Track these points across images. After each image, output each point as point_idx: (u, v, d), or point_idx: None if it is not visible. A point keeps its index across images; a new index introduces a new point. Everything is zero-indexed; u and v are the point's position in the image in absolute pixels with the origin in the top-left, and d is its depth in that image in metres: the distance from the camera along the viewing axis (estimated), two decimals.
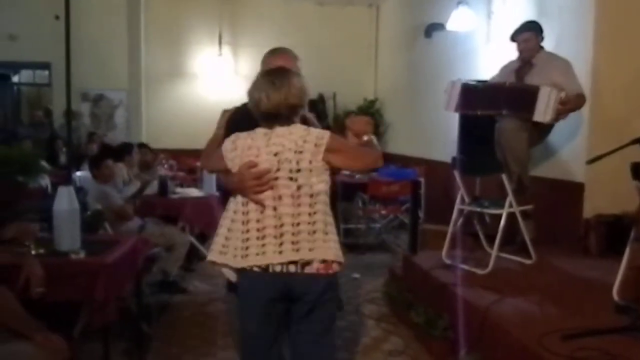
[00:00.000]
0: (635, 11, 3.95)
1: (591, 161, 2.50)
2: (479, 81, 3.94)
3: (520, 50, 3.84)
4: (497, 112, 3.60)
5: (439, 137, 6.17)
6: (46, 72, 8.82)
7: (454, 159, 3.76)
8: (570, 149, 4.18)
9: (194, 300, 4.13)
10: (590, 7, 4.01)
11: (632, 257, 2.38)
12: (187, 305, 4.00)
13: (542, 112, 3.49)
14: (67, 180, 4.23)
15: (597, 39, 3.97)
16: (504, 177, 3.44)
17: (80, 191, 3.72)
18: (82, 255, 2.56)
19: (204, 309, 3.93)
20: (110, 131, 8.52)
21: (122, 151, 5.22)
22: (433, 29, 6.56)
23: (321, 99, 8.55)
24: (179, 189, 5.15)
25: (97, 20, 8.38)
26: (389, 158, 8.14)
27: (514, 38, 3.89)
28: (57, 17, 7.17)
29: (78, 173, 5.19)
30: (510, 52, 4.15)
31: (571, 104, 3.60)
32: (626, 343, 2.25)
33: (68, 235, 2.59)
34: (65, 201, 2.60)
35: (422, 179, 6.38)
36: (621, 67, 3.99)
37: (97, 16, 8.38)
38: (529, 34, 3.82)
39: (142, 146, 5.80)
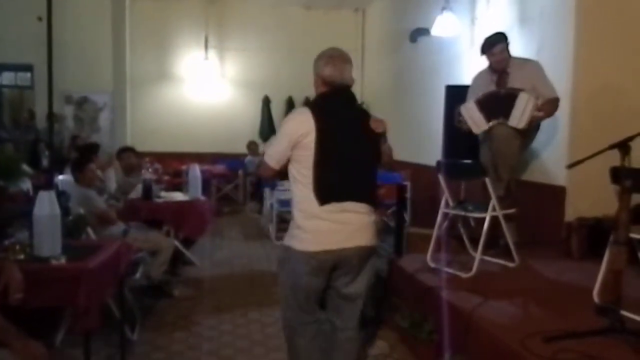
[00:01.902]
0: (614, 16, 4.02)
1: (571, 166, 2.54)
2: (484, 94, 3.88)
3: (497, 61, 3.83)
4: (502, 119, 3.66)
5: (425, 141, 6.22)
6: (28, 74, 8.70)
7: (438, 163, 3.79)
8: (552, 153, 4.24)
9: (178, 305, 4.09)
10: (571, 12, 4.08)
11: (611, 260, 2.41)
12: (172, 310, 3.97)
13: (518, 117, 3.57)
14: (49, 184, 4.18)
15: (577, 43, 4.04)
16: (487, 181, 3.48)
17: (62, 195, 3.66)
18: (63, 260, 2.53)
19: (189, 314, 3.90)
20: (94, 134, 8.43)
21: (89, 152, 5.15)
22: (418, 33, 6.62)
23: (307, 102, 8.55)
24: (163, 193, 5.11)
25: (81, 23, 8.30)
26: None
27: (487, 50, 3.84)
28: (39, 19, 7.07)
29: (60, 177, 5.11)
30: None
31: (545, 110, 3.68)
32: (606, 345, 2.28)
33: (49, 241, 2.55)
34: (45, 206, 2.56)
35: (408, 183, 6.42)
36: (601, 71, 4.06)
37: (81, 18, 8.30)
38: (503, 44, 3.83)
39: (127, 149, 5.70)
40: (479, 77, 4.06)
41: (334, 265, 2.31)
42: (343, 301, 2.43)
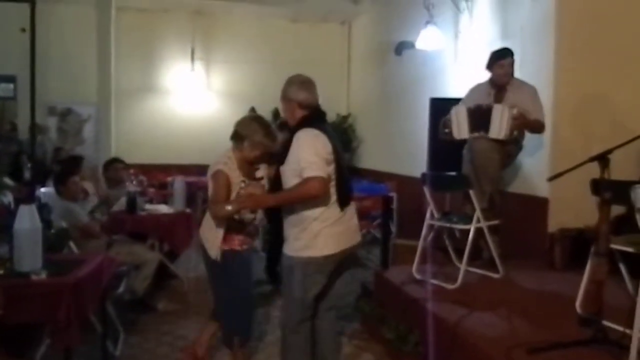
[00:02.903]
0: (593, 32, 4.12)
1: (552, 178, 2.58)
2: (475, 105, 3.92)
3: (504, 74, 3.85)
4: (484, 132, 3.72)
5: (410, 152, 6.26)
6: (11, 85, 8.59)
7: (423, 175, 3.82)
8: (535, 166, 4.30)
9: (162, 319, 4.04)
10: (551, 28, 4.17)
11: (592, 272, 2.45)
12: (156, 325, 3.91)
13: (497, 128, 3.64)
14: (31, 197, 4.11)
15: (558, 58, 4.13)
16: (472, 193, 3.51)
17: (44, 208, 3.61)
18: (43, 275, 2.48)
19: (174, 328, 3.85)
20: (78, 146, 8.33)
21: (72, 164, 5.08)
22: (403, 47, 6.70)
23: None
24: (148, 206, 5.06)
25: (66, 34, 8.25)
26: (361, 173, 8.22)
27: (497, 61, 3.87)
28: (23, 30, 6.98)
29: (43, 189, 5.04)
30: (477, 71, 4.26)
31: (528, 123, 3.74)
32: (589, 355, 2.31)
33: (29, 255, 2.50)
34: (26, 220, 2.52)
35: (394, 194, 6.44)
36: (581, 85, 4.15)
37: (66, 29, 8.25)
38: (511, 59, 3.88)
39: (115, 161, 5.54)
40: (476, 89, 4.08)
41: (339, 262, 2.62)
42: (331, 287, 2.71)
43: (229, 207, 2.65)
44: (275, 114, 9.00)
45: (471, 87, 4.17)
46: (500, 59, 3.86)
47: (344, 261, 2.64)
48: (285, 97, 2.62)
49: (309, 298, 2.58)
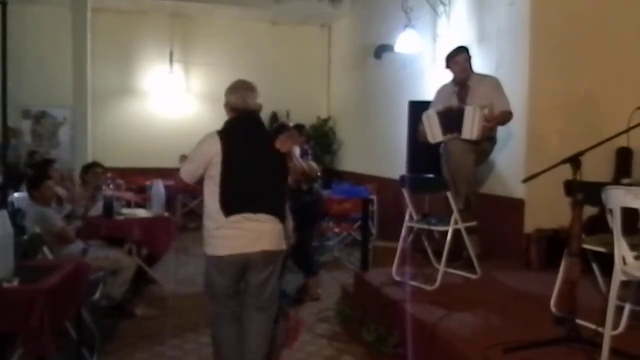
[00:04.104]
0: (568, 34, 4.21)
1: (526, 180, 2.62)
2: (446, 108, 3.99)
3: (460, 70, 4.01)
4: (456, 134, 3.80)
5: (390, 155, 6.30)
6: None
7: (402, 177, 3.85)
8: (511, 167, 4.37)
9: (141, 325, 3.98)
10: (526, 31, 4.24)
11: (566, 271, 2.49)
12: (134, 331, 3.85)
13: (469, 129, 3.73)
14: (3, 202, 4.02)
15: (533, 61, 4.20)
16: (449, 194, 3.55)
17: (17, 213, 3.54)
18: (15, 282, 2.42)
19: (152, 333, 3.80)
20: (53, 149, 8.18)
21: (43, 167, 4.97)
22: (382, 50, 6.74)
23: (274, 117, 8.56)
24: (125, 210, 4.99)
25: (40, 35, 8.10)
26: (341, 175, 8.25)
27: (452, 59, 4.04)
28: None
29: (16, 194, 4.93)
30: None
31: (495, 120, 3.84)
32: (563, 353, 2.36)
33: (0, 262, 2.44)
34: None
35: (374, 196, 6.47)
36: (555, 87, 4.24)
37: (40, 31, 8.11)
38: (465, 55, 4.03)
39: (94, 165, 5.38)
40: (442, 89, 4.21)
41: (243, 266, 2.69)
42: (255, 290, 2.76)
43: None
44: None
45: (437, 88, 4.27)
46: (454, 56, 4.03)
47: (256, 265, 2.68)
48: (225, 100, 2.78)
49: (211, 292, 2.75)
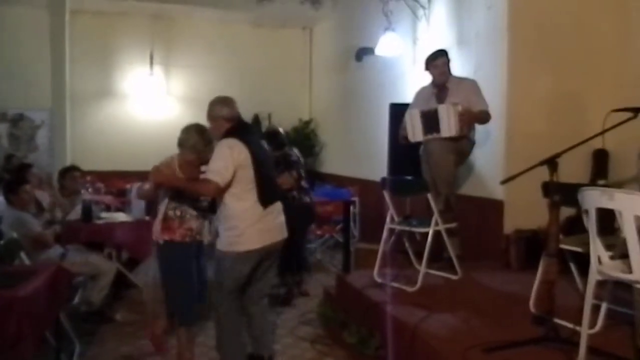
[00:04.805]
0: (545, 38, 4.28)
1: (504, 181, 2.66)
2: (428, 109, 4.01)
3: (439, 74, 4.05)
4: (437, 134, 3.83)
5: (372, 157, 6.34)
6: None
7: (383, 179, 3.87)
8: (490, 169, 4.43)
9: (121, 330, 3.93)
10: (504, 35, 4.31)
11: (544, 272, 2.53)
12: (114, 336, 3.81)
13: (447, 127, 3.77)
14: None
15: (511, 64, 4.27)
16: (430, 196, 3.58)
17: None
18: None
19: (133, 339, 3.75)
20: (31, 153, 8.02)
21: (20, 172, 4.87)
22: (363, 52, 6.78)
23: (256, 120, 8.53)
24: (104, 214, 4.91)
25: (17, 37, 7.94)
26: (324, 178, 8.25)
27: (431, 62, 4.08)
28: None
29: None
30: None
31: (473, 115, 3.87)
32: (542, 353, 2.39)
33: None
34: None
35: (356, 199, 6.49)
36: (533, 90, 4.31)
37: (17, 33, 7.94)
38: (444, 58, 4.07)
39: (72, 169, 5.29)
40: (421, 91, 4.26)
41: (263, 255, 2.97)
42: (264, 276, 3.09)
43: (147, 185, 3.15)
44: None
45: (417, 90, 4.31)
46: (433, 60, 4.08)
47: (270, 255, 3.02)
48: (211, 116, 3.03)
49: (232, 285, 2.94)
